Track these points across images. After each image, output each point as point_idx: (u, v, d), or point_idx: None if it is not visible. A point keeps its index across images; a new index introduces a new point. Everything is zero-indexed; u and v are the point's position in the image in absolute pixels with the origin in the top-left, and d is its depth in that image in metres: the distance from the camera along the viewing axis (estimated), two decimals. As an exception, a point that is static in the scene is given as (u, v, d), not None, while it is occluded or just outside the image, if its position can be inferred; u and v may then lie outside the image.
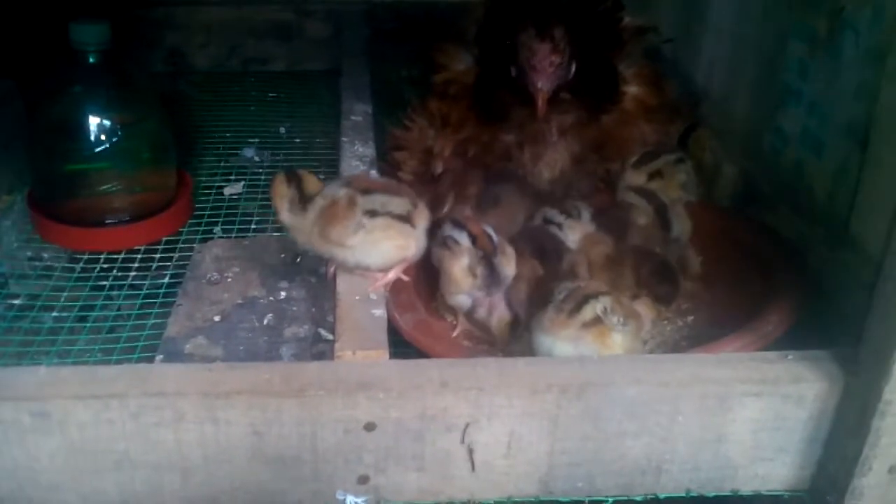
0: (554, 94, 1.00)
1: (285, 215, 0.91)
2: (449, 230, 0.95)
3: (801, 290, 0.93)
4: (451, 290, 0.94)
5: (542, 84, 0.99)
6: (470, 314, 0.96)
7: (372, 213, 0.89)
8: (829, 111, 1.01)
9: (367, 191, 0.91)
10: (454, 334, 0.96)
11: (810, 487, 0.81)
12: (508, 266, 0.94)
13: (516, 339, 0.94)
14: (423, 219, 0.94)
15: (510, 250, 0.95)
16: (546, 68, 0.98)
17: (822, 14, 1.01)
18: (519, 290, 0.96)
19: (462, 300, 0.95)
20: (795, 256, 1.00)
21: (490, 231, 0.95)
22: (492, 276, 0.93)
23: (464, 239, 0.94)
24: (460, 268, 0.93)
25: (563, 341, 0.84)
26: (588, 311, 0.84)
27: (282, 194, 0.91)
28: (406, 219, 0.91)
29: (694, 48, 1.37)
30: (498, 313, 0.94)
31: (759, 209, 1.11)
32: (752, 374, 0.77)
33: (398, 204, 0.91)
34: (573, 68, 1.01)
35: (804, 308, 0.91)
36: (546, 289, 0.91)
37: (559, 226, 1.01)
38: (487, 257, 0.93)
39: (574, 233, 1.01)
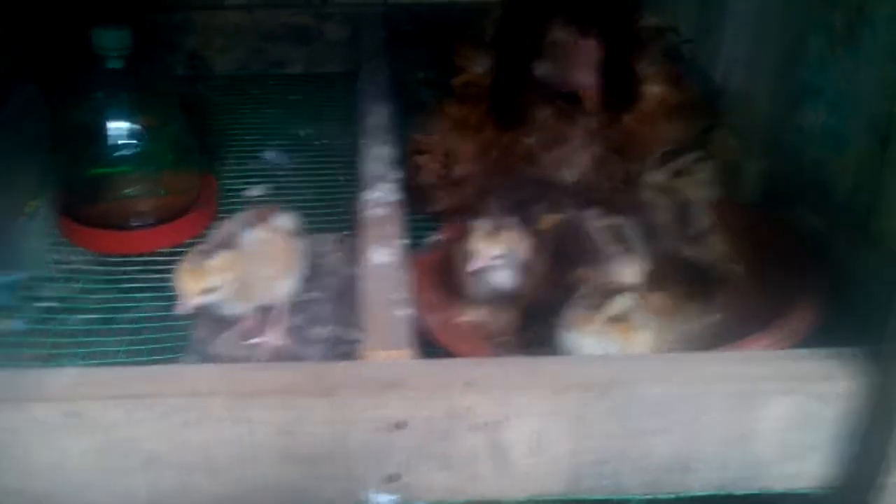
0: (575, 96, 1.00)
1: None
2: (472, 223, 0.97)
3: (825, 288, 0.93)
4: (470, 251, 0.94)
5: (591, 80, 0.99)
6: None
7: None
8: (850, 108, 1.00)
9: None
10: (460, 320, 0.96)
11: (840, 485, 0.80)
12: (521, 242, 0.95)
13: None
14: None
15: (523, 230, 0.96)
16: (591, 64, 0.98)
17: (841, 10, 1.01)
18: (526, 284, 0.97)
19: (478, 264, 0.93)
20: (819, 254, 0.99)
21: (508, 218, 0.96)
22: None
23: (480, 223, 0.95)
24: (479, 239, 0.93)
25: (587, 337, 0.84)
26: (614, 307, 0.84)
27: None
28: None
29: (712, 46, 1.37)
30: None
31: (781, 207, 1.10)
32: (781, 371, 0.77)
33: None
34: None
35: (829, 306, 0.91)
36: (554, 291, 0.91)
37: (611, 257, 0.95)
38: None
39: (628, 267, 0.95)
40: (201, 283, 0.82)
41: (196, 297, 0.82)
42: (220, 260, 0.83)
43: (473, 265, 0.93)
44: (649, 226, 1.02)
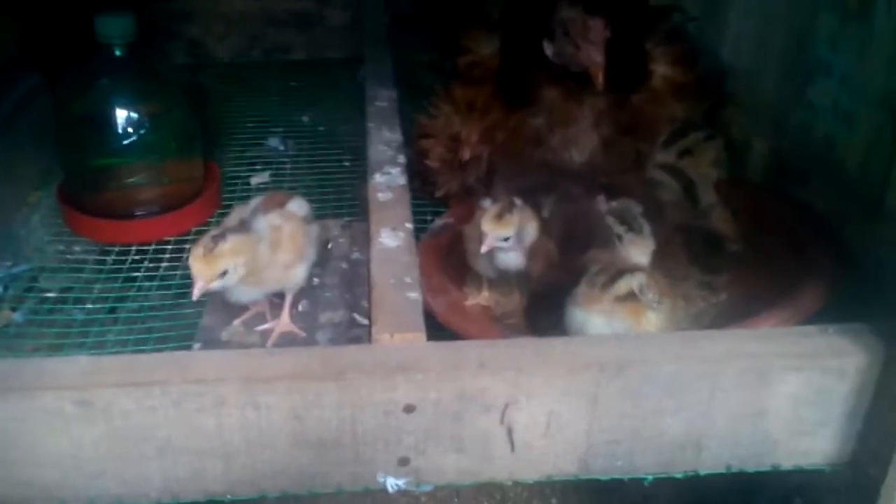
0: (584, 76, 1.00)
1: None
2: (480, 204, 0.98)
3: (836, 265, 0.93)
4: (474, 237, 0.95)
5: (600, 58, 0.98)
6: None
7: None
8: (861, 84, 1.00)
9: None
10: (468, 303, 0.96)
11: (851, 461, 0.80)
12: (529, 223, 0.95)
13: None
14: None
15: (531, 212, 0.96)
16: (600, 42, 0.98)
17: (853, -14, 1.00)
18: (533, 267, 0.97)
19: (484, 247, 0.93)
20: (829, 231, 0.99)
21: (516, 200, 0.96)
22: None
23: (487, 204, 0.96)
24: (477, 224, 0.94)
25: (596, 315, 0.84)
26: (622, 286, 0.84)
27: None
28: None
29: (719, 24, 1.36)
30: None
31: (791, 184, 1.09)
32: (792, 348, 0.77)
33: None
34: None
35: (840, 282, 0.91)
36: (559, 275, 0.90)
37: (619, 238, 0.95)
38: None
39: (636, 248, 0.94)
40: (214, 266, 0.81)
41: (210, 281, 0.81)
42: (231, 243, 0.82)
43: (483, 246, 0.92)
44: (656, 204, 1.02)
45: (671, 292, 0.89)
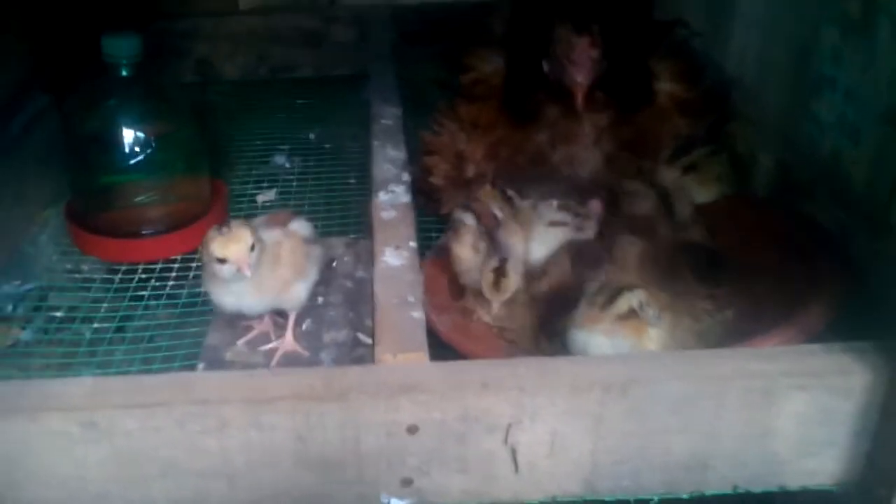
0: (588, 92, 1.00)
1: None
2: (458, 214, 0.99)
3: (842, 281, 0.92)
4: (461, 269, 0.97)
5: (582, 78, 0.98)
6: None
7: None
8: (866, 98, 0.99)
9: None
10: (473, 320, 0.96)
11: (859, 481, 0.80)
12: (511, 237, 0.98)
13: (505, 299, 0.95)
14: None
15: (514, 226, 0.98)
16: (585, 62, 0.98)
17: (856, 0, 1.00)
18: (542, 284, 0.98)
19: (473, 277, 0.97)
20: (836, 246, 0.98)
21: (496, 210, 0.99)
22: (494, 248, 0.97)
23: (469, 219, 0.98)
24: (465, 247, 0.97)
25: (597, 335, 0.84)
26: (622, 304, 0.83)
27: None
28: None
29: (723, 38, 1.36)
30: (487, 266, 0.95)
31: (797, 199, 1.09)
32: (797, 366, 0.77)
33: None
34: (605, 65, 1.00)
35: (846, 299, 0.90)
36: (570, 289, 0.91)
37: (581, 230, 1.01)
38: (490, 232, 0.97)
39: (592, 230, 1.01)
40: (242, 241, 0.82)
41: (247, 256, 0.82)
42: (236, 225, 0.83)
43: (464, 277, 0.96)
44: (650, 219, 1.02)
45: (672, 307, 0.89)
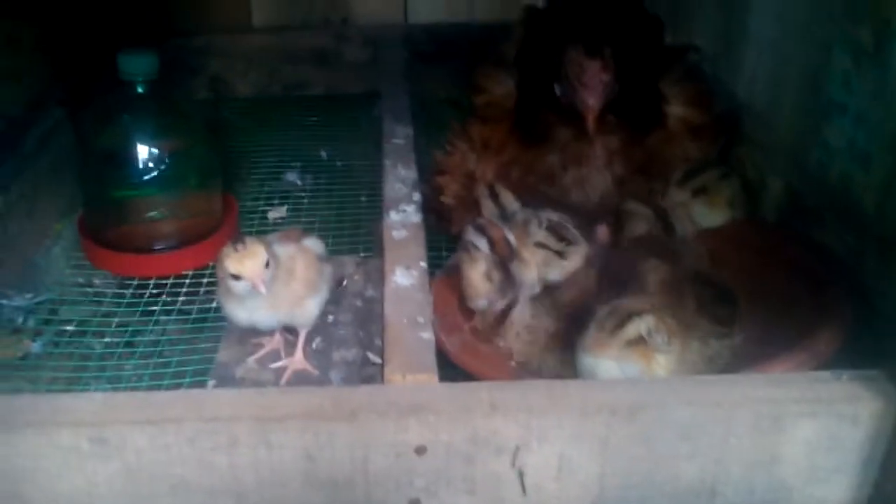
0: (599, 115, 1.00)
1: None
2: (470, 235, 0.98)
3: (852, 307, 0.92)
4: (470, 293, 0.97)
5: (593, 101, 0.99)
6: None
7: None
8: (876, 123, 0.99)
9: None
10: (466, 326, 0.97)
11: (867, 509, 0.79)
12: (526, 272, 0.97)
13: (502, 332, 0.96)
14: None
15: (528, 257, 0.97)
16: (596, 85, 0.99)
17: (868, 26, 1.00)
18: (565, 294, 0.99)
19: (481, 304, 0.97)
20: (845, 272, 0.98)
21: (510, 237, 0.98)
22: (508, 281, 0.96)
23: (483, 244, 0.97)
24: (478, 273, 0.96)
25: (605, 360, 0.84)
26: (631, 330, 0.84)
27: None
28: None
29: (734, 63, 1.36)
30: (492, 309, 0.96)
31: (807, 224, 1.09)
32: (806, 393, 0.76)
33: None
34: (617, 88, 1.01)
35: (856, 325, 0.90)
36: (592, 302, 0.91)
37: (560, 254, 1.00)
38: (504, 263, 0.96)
39: (574, 257, 1.00)
40: (258, 258, 0.83)
41: (262, 272, 0.83)
42: (251, 241, 0.84)
43: (472, 303, 0.96)
44: (669, 248, 1.02)
45: (682, 333, 0.89)
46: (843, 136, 1.06)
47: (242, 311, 0.88)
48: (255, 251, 0.84)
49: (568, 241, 1.00)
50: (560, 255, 0.99)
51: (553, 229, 1.01)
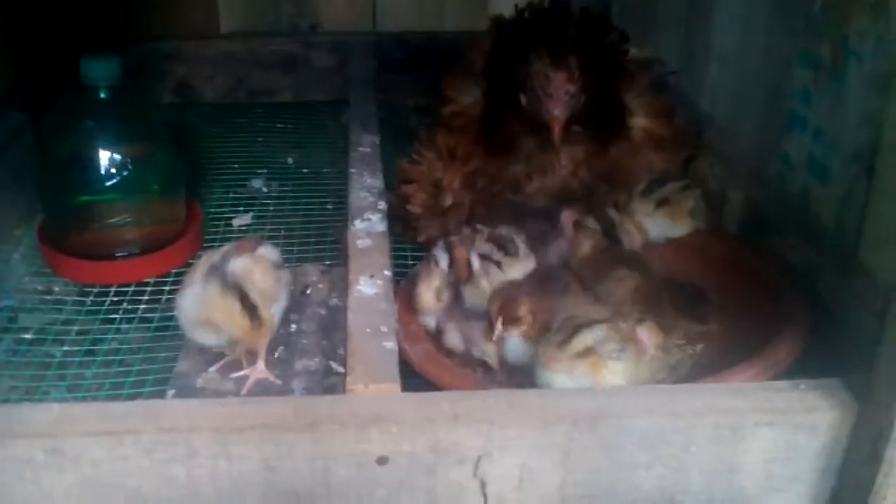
0: (565, 126, 1.01)
1: None
2: (436, 249, 0.98)
3: (810, 318, 0.93)
4: (417, 306, 0.97)
5: (559, 112, 1.00)
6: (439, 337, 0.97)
7: None
8: (835, 138, 1.01)
9: None
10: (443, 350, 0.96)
11: (824, 518, 0.81)
12: (475, 299, 0.95)
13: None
14: None
15: (486, 285, 0.96)
16: (562, 96, 0.99)
17: (827, 42, 1.02)
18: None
19: (426, 320, 0.97)
20: (804, 283, 1.00)
21: (475, 262, 0.97)
22: (457, 304, 0.96)
23: (443, 261, 0.97)
24: (429, 288, 0.96)
25: (557, 374, 0.84)
26: (578, 343, 0.84)
27: None
28: None
29: (697, 76, 1.38)
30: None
31: (767, 236, 1.11)
32: (765, 403, 0.77)
33: None
34: (583, 99, 1.02)
35: (814, 336, 0.91)
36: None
37: (498, 264, 0.99)
38: (457, 284, 0.96)
39: (513, 269, 0.99)
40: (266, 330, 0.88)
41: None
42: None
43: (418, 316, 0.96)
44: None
45: (637, 340, 0.89)
46: (803, 149, 1.08)
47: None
48: (269, 326, 0.88)
49: (509, 253, 0.99)
50: (499, 265, 0.98)
51: (497, 241, 1.00)
